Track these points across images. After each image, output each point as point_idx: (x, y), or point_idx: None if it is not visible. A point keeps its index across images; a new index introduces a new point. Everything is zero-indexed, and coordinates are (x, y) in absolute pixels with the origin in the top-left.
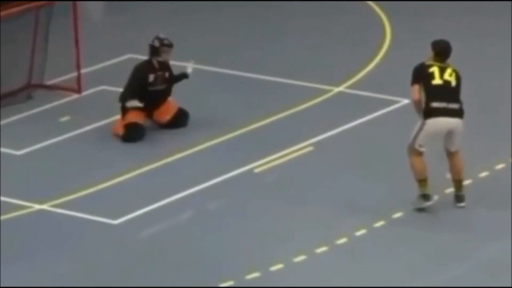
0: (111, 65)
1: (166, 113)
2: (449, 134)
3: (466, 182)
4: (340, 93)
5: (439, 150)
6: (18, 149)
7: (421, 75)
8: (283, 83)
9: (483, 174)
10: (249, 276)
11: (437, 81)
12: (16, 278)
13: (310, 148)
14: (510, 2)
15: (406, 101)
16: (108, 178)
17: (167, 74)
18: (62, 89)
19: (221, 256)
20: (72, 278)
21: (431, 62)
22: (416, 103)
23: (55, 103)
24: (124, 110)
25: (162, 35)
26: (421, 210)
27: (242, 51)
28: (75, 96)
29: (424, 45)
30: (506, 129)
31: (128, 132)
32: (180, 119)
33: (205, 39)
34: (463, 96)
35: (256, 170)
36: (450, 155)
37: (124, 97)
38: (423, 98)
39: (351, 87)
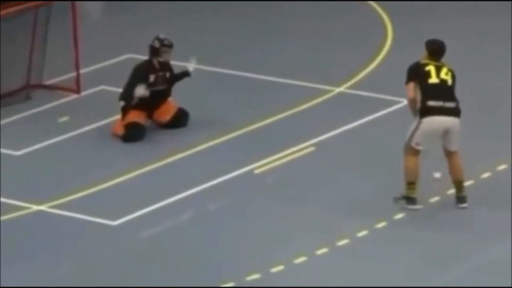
0: (110, 65)
1: (166, 113)
2: (446, 133)
3: (468, 183)
4: (341, 93)
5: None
6: (17, 149)
7: (416, 73)
8: (284, 83)
9: (485, 175)
10: (249, 278)
11: (433, 79)
12: (15, 279)
13: (311, 149)
14: (510, 2)
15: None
16: (108, 179)
17: (167, 74)
18: (61, 89)
19: (221, 257)
20: (71, 279)
21: (426, 61)
22: (411, 102)
23: (54, 103)
24: (124, 110)
25: (162, 36)
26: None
27: (243, 51)
28: (74, 96)
29: None
30: (507, 129)
31: (129, 132)
32: (180, 119)
33: (205, 39)
34: (464, 95)
35: (257, 171)
36: (449, 155)
37: (123, 97)
38: (418, 96)
39: (352, 87)
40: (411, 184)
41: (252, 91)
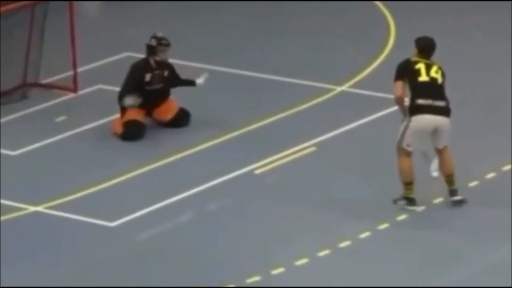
0: (108, 64)
1: (167, 112)
2: (435, 132)
3: (472, 184)
4: (343, 92)
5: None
6: (14, 149)
7: (406, 71)
8: (285, 82)
9: (490, 175)
10: (249, 280)
11: (423, 78)
12: (13, 280)
13: (312, 149)
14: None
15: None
16: (106, 179)
17: (166, 73)
18: (58, 88)
19: (221, 258)
20: (69, 280)
21: (416, 59)
22: (399, 100)
23: (51, 103)
24: (123, 109)
25: (159, 34)
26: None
27: (243, 49)
28: (71, 95)
29: None
30: (507, 129)
31: (128, 130)
32: (181, 119)
33: (205, 37)
34: (468, 94)
35: (257, 171)
36: (439, 152)
37: (121, 96)
38: (408, 94)
39: (354, 86)
40: (408, 185)
41: (252, 90)
